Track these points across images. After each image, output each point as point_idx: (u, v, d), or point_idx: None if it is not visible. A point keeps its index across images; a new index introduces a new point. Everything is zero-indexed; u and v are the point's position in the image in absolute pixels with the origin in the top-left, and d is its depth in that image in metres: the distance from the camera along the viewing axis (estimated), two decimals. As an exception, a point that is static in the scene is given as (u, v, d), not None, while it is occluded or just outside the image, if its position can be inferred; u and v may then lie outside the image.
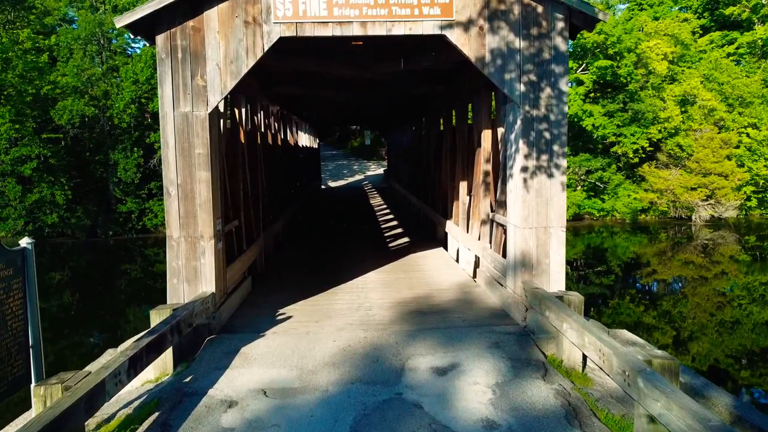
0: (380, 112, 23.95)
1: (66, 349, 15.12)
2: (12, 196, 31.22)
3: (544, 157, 8.46)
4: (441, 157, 16.81)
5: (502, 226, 10.30)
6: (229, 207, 10.13)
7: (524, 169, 8.47)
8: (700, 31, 48.59)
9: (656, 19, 46.99)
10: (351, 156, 56.56)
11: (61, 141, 33.69)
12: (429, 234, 18.57)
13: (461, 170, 13.56)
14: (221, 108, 10.34)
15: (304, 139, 28.26)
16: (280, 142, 17.82)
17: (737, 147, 36.62)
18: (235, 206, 10.93)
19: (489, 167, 11.16)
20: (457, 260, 14.33)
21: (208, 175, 8.26)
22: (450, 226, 15.11)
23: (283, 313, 9.58)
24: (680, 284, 22.01)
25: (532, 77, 8.41)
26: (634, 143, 35.68)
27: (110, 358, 5.89)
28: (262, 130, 14.84)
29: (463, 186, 13.47)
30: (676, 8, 52.31)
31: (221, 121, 9.38)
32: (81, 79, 33.86)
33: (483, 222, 11.36)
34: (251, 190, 12.62)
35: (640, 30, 40.93)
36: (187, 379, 6.93)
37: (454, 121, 15.24)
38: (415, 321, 8.94)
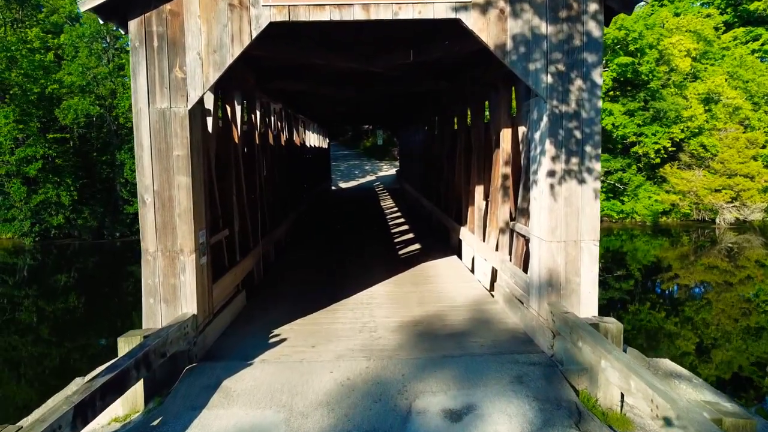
0: (389, 111, 22.86)
1: (73, 352, 14.57)
2: (17, 198, 30.60)
3: (574, 159, 7.33)
4: (455, 157, 15.69)
5: (524, 237, 9.18)
6: (219, 215, 9.11)
7: (551, 174, 7.34)
8: (723, 27, 46.98)
9: (677, 15, 45.47)
10: (363, 156, 55.52)
11: (68, 141, 32.99)
12: (442, 240, 17.44)
13: (477, 172, 12.44)
14: (206, 103, 9.32)
15: (312, 139, 27.24)
16: (283, 142, 16.80)
17: (764, 147, 35.13)
18: (226, 213, 9.90)
19: (508, 170, 10.04)
20: (472, 270, 13.22)
21: (189, 181, 7.22)
22: (464, 232, 13.99)
23: (278, 335, 8.53)
24: (703, 289, 20.98)
25: (561, 67, 7.28)
26: (656, 143, 34.30)
27: (57, 402, 4.87)
28: (262, 129, 13.81)
29: (478, 190, 12.35)
30: (698, 4, 50.67)
31: (206, 118, 8.35)
32: (86, 78, 33.11)
33: (501, 231, 10.23)
34: (247, 194, 11.58)
35: (661, 26, 39.49)
36: (156, 422, 5.89)
37: (468, 119, 14.11)
38: (425, 346, 7.85)
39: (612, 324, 6.56)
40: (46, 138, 31.41)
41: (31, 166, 30.46)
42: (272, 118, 15.53)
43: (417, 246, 16.44)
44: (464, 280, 12.10)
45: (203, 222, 7.70)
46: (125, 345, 6.49)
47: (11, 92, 31.12)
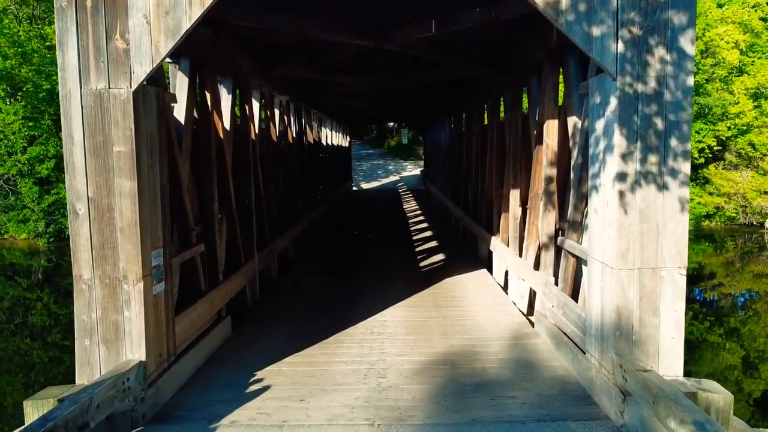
0: (412, 106, 20.86)
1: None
2: (29, 198, 29.56)
3: (654, 158, 5.35)
4: (485, 157, 13.74)
5: (576, 257, 7.21)
6: (190, 227, 7.31)
7: (621, 178, 5.37)
8: (772, 18, 43.98)
9: (720, 6, 42.69)
10: (387, 155, 53.65)
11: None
12: (469, 250, 15.50)
13: (512, 174, 10.47)
14: (177, 89, 7.58)
15: (330, 138, 25.43)
16: (292, 140, 15.01)
17: (820, 146, 32.42)
18: (205, 223, 8.13)
19: (553, 172, 8.08)
20: (505, 288, 11.29)
21: (134, 186, 5.43)
22: (496, 243, 12.03)
23: (260, 380, 6.70)
24: (751, 299, 19.10)
25: (636, 31, 5.31)
26: (700, 141, 31.84)
27: None
28: (262, 124, 12.03)
29: (514, 195, 10.39)
30: (744, -6, 47.66)
31: (168, 105, 6.55)
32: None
33: (544, 246, 8.27)
34: (238, 199, 9.80)
35: (705, 16, 36.88)
36: None
37: (502, 112, 12.16)
38: (448, 405, 5.93)
39: (718, 396, 4.59)
40: (59, 136, 30.26)
41: (42, 166, 29.37)
42: (276, 111, 13.74)
43: (441, 256, 14.51)
44: (496, 302, 10.14)
45: (159, 238, 5.91)
46: (34, 410, 4.74)
47: (24, 89, 30.08)
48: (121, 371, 5.26)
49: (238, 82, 9.88)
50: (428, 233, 18.66)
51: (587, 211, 6.69)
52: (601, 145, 5.68)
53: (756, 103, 33.82)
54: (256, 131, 11.28)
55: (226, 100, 9.59)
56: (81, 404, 4.60)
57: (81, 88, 5.37)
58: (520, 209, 10.27)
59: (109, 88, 5.37)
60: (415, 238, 17.82)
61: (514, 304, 10.05)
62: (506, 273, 11.62)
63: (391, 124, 57.69)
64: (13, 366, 12.60)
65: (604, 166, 5.63)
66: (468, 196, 16.86)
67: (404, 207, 27.62)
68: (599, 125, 5.75)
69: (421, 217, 23.10)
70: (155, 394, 5.81)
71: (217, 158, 8.52)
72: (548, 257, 8.19)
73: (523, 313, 9.54)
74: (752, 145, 32.76)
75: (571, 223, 7.15)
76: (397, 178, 44.40)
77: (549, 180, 8.14)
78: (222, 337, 8.09)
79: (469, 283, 11.57)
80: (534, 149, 9.01)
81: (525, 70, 9.69)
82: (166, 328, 6.09)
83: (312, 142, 19.36)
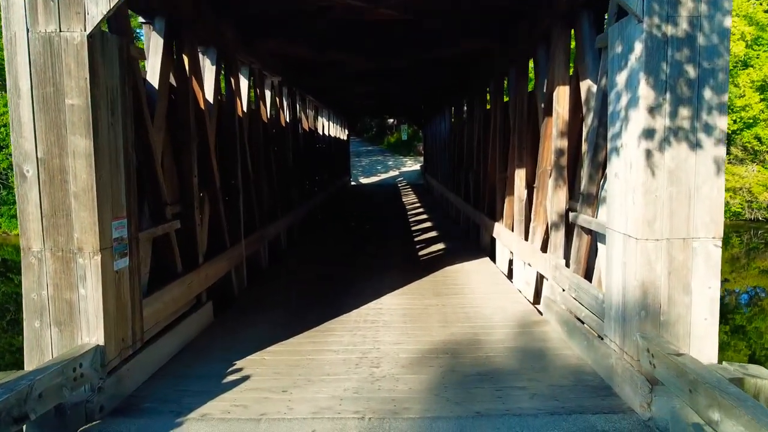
0: (409, 91, 20.07)
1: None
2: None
3: (686, 111, 4.66)
4: (488, 142, 13.04)
5: (590, 232, 6.52)
6: (164, 201, 6.61)
7: (648, 134, 4.68)
8: (777, 12, 43.27)
9: (726, -1, 41.89)
10: (387, 152, 52.94)
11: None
12: (471, 239, 14.81)
13: (517, 154, 9.78)
14: (151, 52, 6.87)
15: (328, 128, 24.72)
16: (285, 124, 14.30)
17: (828, 140, 31.72)
18: (184, 198, 7.43)
19: (564, 143, 7.39)
20: (510, 276, 10.61)
21: (89, 144, 4.74)
22: (499, 229, 11.34)
23: (240, 369, 6.01)
24: (756, 296, 18.31)
25: (666, -35, 4.63)
26: (706, 135, 31.07)
27: None
28: (251, 104, 11.34)
29: (519, 175, 9.70)
30: (748, -13, 46.97)
31: (133, 60, 5.85)
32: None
33: (554, 226, 7.57)
34: (223, 178, 9.12)
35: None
36: None
37: (505, 95, 11.48)
38: (449, 397, 5.23)
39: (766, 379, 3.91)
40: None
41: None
42: (268, 92, 13.05)
43: (441, 246, 13.82)
44: (500, 289, 9.45)
45: (122, 207, 5.21)
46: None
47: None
48: (72, 356, 4.58)
49: (223, 54, 9.19)
50: (428, 224, 17.97)
51: (604, 181, 6.01)
52: (624, 100, 4.99)
53: (762, 96, 33.10)
54: (244, 109, 10.59)
55: (209, 71, 8.90)
56: (17, 392, 3.91)
57: (27, 31, 4.68)
58: (525, 191, 9.59)
59: (60, 30, 4.68)
60: (414, 229, 17.12)
61: (520, 291, 9.36)
62: (510, 260, 10.94)
63: (391, 120, 57.21)
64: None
65: (626, 124, 4.94)
66: (469, 184, 16.15)
67: (403, 200, 26.93)
68: (621, 78, 5.05)
69: (421, 209, 22.40)
70: (116, 383, 5.11)
71: (197, 131, 7.83)
72: (558, 238, 7.49)
73: (529, 301, 8.86)
74: (758, 138, 32.04)
75: (585, 196, 6.45)
76: (396, 173, 43.71)
77: (559, 153, 7.44)
78: (201, 324, 7.39)
79: (472, 271, 10.87)
80: (542, 123, 8.31)
81: (532, 41, 9.00)
82: (131, 310, 5.39)
83: (308, 130, 18.66)
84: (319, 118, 22.57)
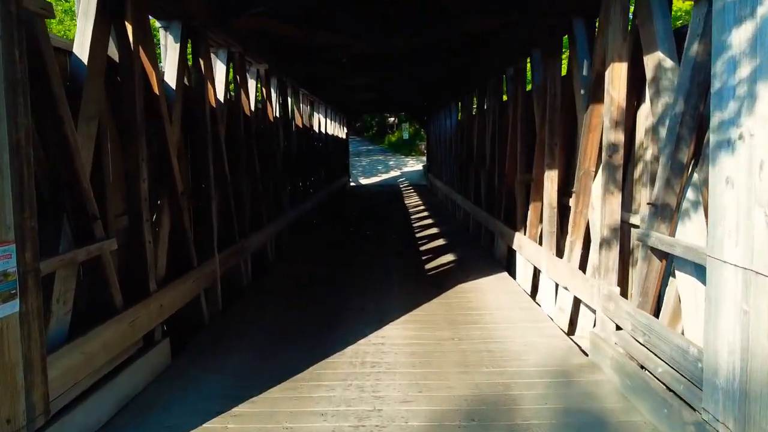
0: (416, 86, 18.35)
1: None
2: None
3: None
4: (505, 137, 11.40)
5: (666, 256, 4.86)
6: (92, 212, 4.92)
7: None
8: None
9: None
10: (387, 151, 51.31)
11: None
12: (483, 247, 13.17)
13: (547, 152, 8.12)
14: (82, 27, 5.20)
15: (325, 125, 23.04)
16: (273, 119, 12.64)
17: None
18: (130, 210, 5.78)
19: (621, 137, 5.73)
20: (533, 295, 9.01)
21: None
22: (521, 240, 9.68)
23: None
24: None
25: None
26: None
27: None
28: (232, 94, 9.69)
29: (550, 178, 8.04)
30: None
31: (18, 10, 4.17)
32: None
33: (604, 243, 5.91)
34: (189, 182, 7.48)
35: None
36: None
37: (528, 81, 9.84)
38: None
39: None
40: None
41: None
42: (252, 81, 11.40)
43: (450, 257, 12.15)
44: (527, 316, 7.78)
45: (6, 228, 3.57)
46: None
47: None
48: None
49: (189, 28, 7.53)
50: (434, 230, 16.29)
51: (689, 188, 4.36)
52: (745, 68, 3.33)
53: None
54: (220, 99, 8.94)
55: (171, 50, 7.25)
56: None
57: None
58: (557, 195, 7.95)
59: None
60: (419, 236, 15.44)
61: (551, 318, 7.71)
62: (534, 277, 9.31)
63: (392, 119, 55.63)
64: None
65: (751, 104, 3.28)
66: (480, 186, 14.51)
67: (406, 202, 25.25)
68: (739, 37, 3.40)
69: (425, 213, 20.73)
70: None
71: (149, 123, 6.18)
72: (610, 259, 5.83)
73: (563, 331, 7.22)
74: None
75: (660, 207, 4.77)
76: (398, 173, 42.03)
77: (612, 149, 5.78)
78: (152, 370, 5.73)
79: (489, 290, 9.21)
80: (584, 113, 6.65)
81: (563, 12, 7.36)
82: (25, 374, 3.74)
83: (302, 127, 17.00)
84: (315, 114, 20.91)
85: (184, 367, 6.08)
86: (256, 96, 11.52)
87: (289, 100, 15.12)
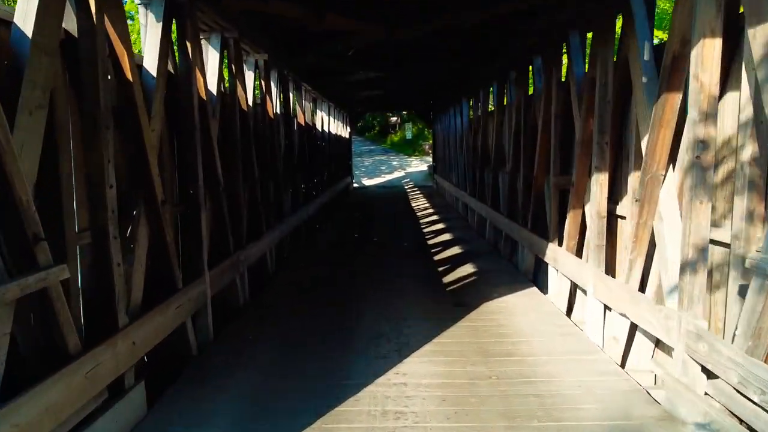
0: (423, 75, 16.90)
1: None
2: None
3: None
4: (532, 134, 10.25)
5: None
6: (31, 234, 3.73)
7: None
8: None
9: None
10: (390, 151, 50.19)
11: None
12: (503, 257, 12.03)
13: (597, 151, 6.91)
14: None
15: (328, 124, 21.84)
16: (274, 116, 11.45)
17: None
18: (95, 223, 4.61)
19: (712, 132, 4.55)
20: (568, 313, 7.90)
21: None
22: (555, 252, 8.50)
23: None
24: None
25: None
26: None
27: None
28: (220, 84, 8.51)
29: (599, 182, 6.85)
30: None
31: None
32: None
33: (688, 266, 4.72)
34: (175, 188, 6.31)
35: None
36: None
37: (564, 68, 8.68)
38: None
39: None
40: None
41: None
42: (250, 73, 10.22)
43: (470, 268, 10.95)
44: (573, 346, 6.58)
45: None
46: None
47: None
48: None
49: (173, 6, 6.35)
50: (446, 236, 15.10)
51: None
52: None
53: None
54: (212, 91, 7.78)
55: (152, 28, 6.06)
56: None
57: None
58: (607, 204, 6.79)
59: None
60: (431, 243, 14.25)
61: (600, 348, 6.53)
62: (571, 294, 8.15)
63: (394, 118, 54.53)
64: None
65: None
66: (499, 189, 13.34)
67: (413, 205, 24.05)
68: None
69: (435, 217, 19.52)
70: None
71: (119, 115, 5.01)
72: (695, 285, 4.65)
73: (616, 363, 6.05)
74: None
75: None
76: (402, 174, 40.81)
77: (701, 147, 4.58)
78: (121, 426, 4.55)
79: (520, 310, 8.03)
80: (654, 104, 5.46)
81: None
82: None
83: (303, 125, 15.81)
84: (318, 112, 19.74)
85: (163, 420, 4.89)
86: (254, 90, 10.34)
87: (291, 95, 13.94)
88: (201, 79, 6.99)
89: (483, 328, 7.27)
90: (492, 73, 13.31)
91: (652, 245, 5.78)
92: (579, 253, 7.92)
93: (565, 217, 8.39)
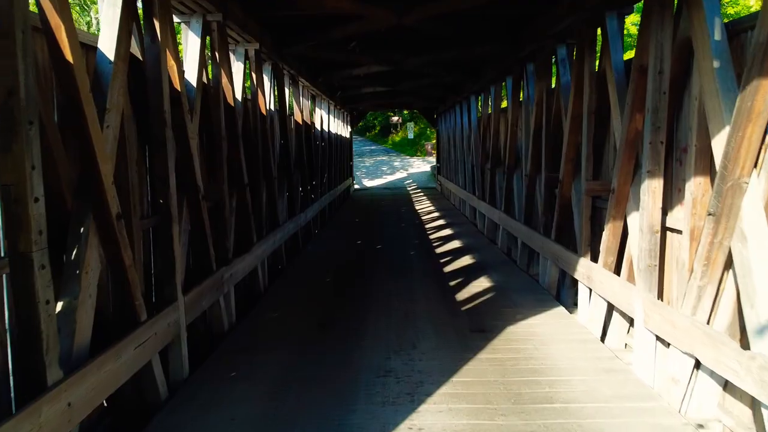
0: (431, 67, 15.70)
1: None
2: None
3: None
4: (555, 133, 9.14)
5: None
6: None
7: None
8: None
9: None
10: (392, 151, 49.11)
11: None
12: (520, 268, 10.92)
13: (649, 154, 5.76)
14: None
15: (328, 123, 20.68)
16: (266, 113, 10.31)
17: None
18: (12, 248, 3.48)
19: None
20: (602, 337, 6.80)
21: None
22: (591, 270, 7.34)
23: None
24: None
25: None
26: None
27: None
28: (201, 74, 7.38)
29: (650, 190, 5.70)
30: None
31: None
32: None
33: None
34: (129, 193, 5.17)
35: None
36: None
37: (598, 57, 7.55)
38: None
39: None
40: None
41: None
42: (239, 63, 9.10)
43: (484, 282, 9.82)
44: (621, 387, 5.43)
45: None
46: None
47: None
48: None
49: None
50: (455, 243, 13.96)
51: None
52: None
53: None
54: (190, 81, 6.65)
55: (108, 5, 4.92)
56: None
57: None
58: (661, 216, 5.66)
59: None
60: (439, 251, 13.10)
61: (653, 390, 5.40)
62: (607, 318, 7.03)
63: (395, 118, 53.44)
64: None
65: None
66: (513, 194, 12.24)
67: (417, 208, 22.89)
68: None
69: (441, 221, 18.36)
70: None
71: (65, 106, 3.89)
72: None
73: (677, 410, 4.93)
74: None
75: None
76: (404, 174, 39.66)
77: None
78: None
79: (550, 338, 6.89)
80: (742, 93, 4.32)
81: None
82: None
83: (301, 123, 14.68)
84: (317, 110, 18.61)
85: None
86: (244, 84, 9.22)
87: (287, 90, 12.82)
88: (174, 66, 5.85)
89: (510, 362, 6.13)
90: (507, 66, 12.17)
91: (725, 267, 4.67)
92: (617, 270, 6.83)
93: (600, 228, 7.28)
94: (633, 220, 6.32)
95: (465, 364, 6.03)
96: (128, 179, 5.14)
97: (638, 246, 5.84)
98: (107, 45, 4.81)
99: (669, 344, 5.31)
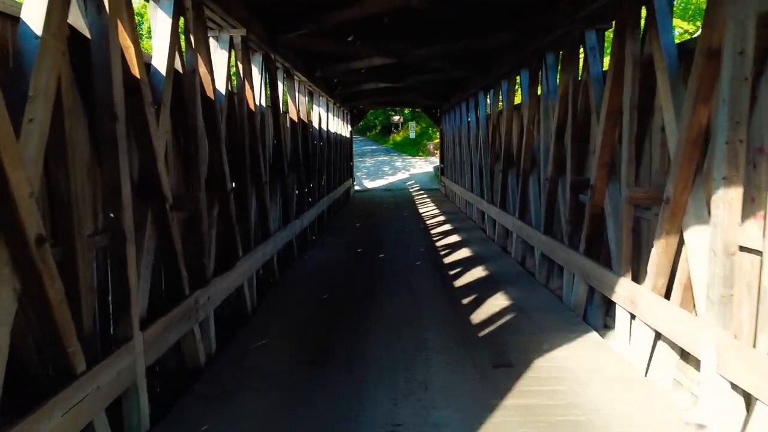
0: (438, 60, 14.56)
1: None
2: None
3: None
4: (583, 131, 8.02)
5: None
6: None
7: None
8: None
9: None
10: (393, 151, 48.00)
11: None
12: (539, 282, 9.79)
13: (722, 155, 4.62)
14: None
15: (327, 122, 19.52)
16: (255, 108, 9.17)
17: None
18: None
19: None
20: (644, 373, 5.67)
21: None
22: (635, 294, 6.20)
23: None
24: None
25: None
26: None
27: None
28: (171, 61, 6.22)
29: (727, 201, 4.55)
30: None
31: None
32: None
33: None
34: (61, 205, 4.04)
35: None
36: None
37: (647, 39, 6.41)
38: None
39: None
40: None
41: None
42: (219, 50, 7.97)
43: (502, 301, 8.67)
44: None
45: None
46: None
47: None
48: None
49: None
50: (465, 253, 12.82)
51: None
52: None
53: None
54: (158, 68, 5.53)
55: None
56: None
57: None
58: (736, 232, 4.52)
59: None
60: (447, 262, 11.94)
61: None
62: (652, 349, 5.90)
63: (396, 117, 52.40)
64: None
65: None
66: (529, 199, 11.12)
67: (421, 212, 21.74)
68: None
69: (447, 226, 17.21)
70: None
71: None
72: None
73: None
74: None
75: None
76: (406, 175, 38.51)
77: None
78: None
79: (586, 375, 5.76)
80: None
81: None
82: None
83: (297, 121, 13.55)
84: (315, 107, 17.48)
85: None
86: (229, 75, 8.10)
87: (281, 85, 11.69)
88: (131, 47, 4.72)
89: (543, 412, 4.99)
90: (522, 58, 11.03)
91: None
92: (667, 295, 5.71)
93: (646, 244, 6.15)
94: (692, 235, 5.21)
95: (489, 416, 4.89)
96: (70, 188, 4.03)
97: (709, 270, 4.69)
98: (33, 16, 3.69)
99: (753, 397, 4.18)
